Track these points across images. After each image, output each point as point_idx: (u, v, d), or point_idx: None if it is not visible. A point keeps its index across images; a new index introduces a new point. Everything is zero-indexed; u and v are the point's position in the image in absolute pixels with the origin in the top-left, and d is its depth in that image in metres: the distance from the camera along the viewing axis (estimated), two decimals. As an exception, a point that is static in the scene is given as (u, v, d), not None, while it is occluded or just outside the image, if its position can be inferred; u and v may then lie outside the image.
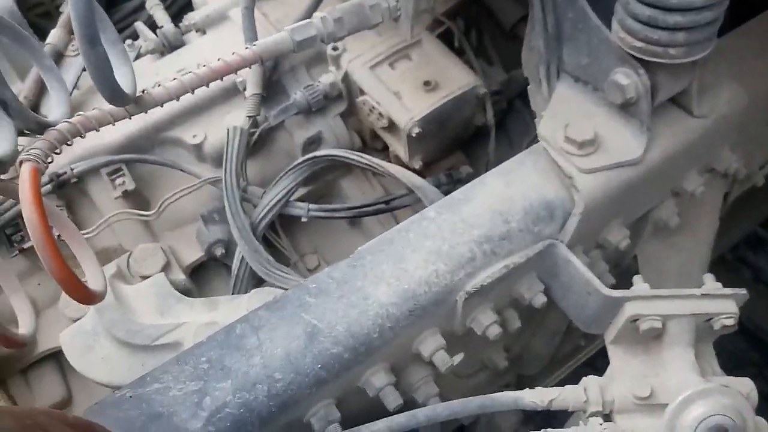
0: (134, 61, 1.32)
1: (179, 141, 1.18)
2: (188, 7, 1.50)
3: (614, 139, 0.83)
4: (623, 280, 0.99)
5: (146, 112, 0.74)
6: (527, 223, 0.83)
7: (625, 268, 1.11)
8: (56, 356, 1.16)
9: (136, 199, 1.15)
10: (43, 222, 0.60)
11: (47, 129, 0.65)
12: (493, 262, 0.81)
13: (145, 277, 1.07)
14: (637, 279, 0.83)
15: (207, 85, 0.77)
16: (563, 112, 0.86)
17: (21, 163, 0.62)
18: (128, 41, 1.35)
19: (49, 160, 0.64)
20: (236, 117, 1.15)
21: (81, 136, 0.67)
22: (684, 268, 1.08)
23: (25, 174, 0.61)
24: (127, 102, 0.67)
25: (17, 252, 1.10)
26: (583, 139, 0.81)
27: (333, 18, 0.80)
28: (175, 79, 0.73)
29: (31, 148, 0.62)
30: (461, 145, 1.22)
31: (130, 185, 1.10)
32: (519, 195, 0.85)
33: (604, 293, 0.79)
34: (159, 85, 0.71)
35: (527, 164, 0.88)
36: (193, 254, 1.14)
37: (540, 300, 0.85)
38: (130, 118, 0.71)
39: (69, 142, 0.66)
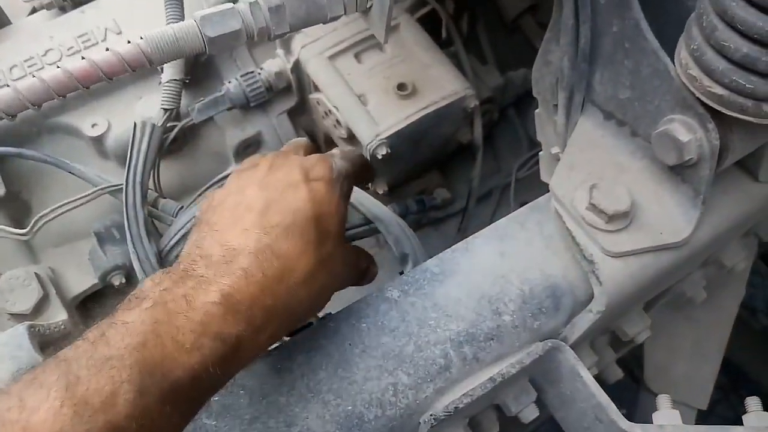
0: (28, 15, 1.02)
1: (74, 130, 0.90)
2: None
3: (655, 211, 0.60)
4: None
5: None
6: (525, 317, 0.60)
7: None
8: None
9: (11, 205, 0.88)
10: None
11: None
12: (475, 372, 0.58)
13: (14, 315, 0.81)
14: (663, 400, 0.62)
15: (59, 97, 0.50)
16: (586, 163, 0.62)
17: None
18: (23, -13, 1.05)
19: None
20: (149, 104, 0.88)
21: None
22: (699, 345, 0.88)
23: None
24: None
25: None
26: (615, 211, 0.57)
27: (269, 6, 0.53)
28: (6, 86, 0.46)
29: None
30: (438, 163, 0.98)
31: (0, 189, 0.83)
32: (517, 274, 0.61)
33: (621, 426, 0.57)
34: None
35: (530, 228, 0.64)
36: (83, 282, 0.88)
37: (530, 415, 0.63)
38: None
39: None
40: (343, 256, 0.59)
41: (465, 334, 0.59)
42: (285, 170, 0.58)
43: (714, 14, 0.48)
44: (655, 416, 0.61)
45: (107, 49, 0.50)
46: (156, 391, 0.44)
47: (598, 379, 0.73)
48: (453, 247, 0.64)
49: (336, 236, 0.57)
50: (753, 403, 0.62)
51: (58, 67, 0.48)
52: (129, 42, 0.50)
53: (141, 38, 0.50)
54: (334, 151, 0.66)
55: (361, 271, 0.65)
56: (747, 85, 0.48)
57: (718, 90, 0.50)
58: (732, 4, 0.46)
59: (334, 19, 0.57)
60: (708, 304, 0.82)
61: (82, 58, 0.49)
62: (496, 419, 0.68)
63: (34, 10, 1.02)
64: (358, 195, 0.83)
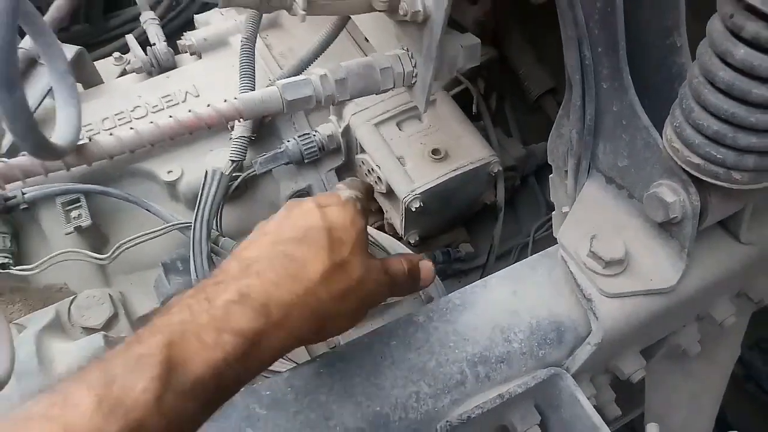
0: (119, 77, 1.20)
1: (152, 175, 1.05)
2: (189, 26, 1.39)
3: (647, 261, 0.70)
4: (623, 396, 0.86)
5: (90, 165, 0.61)
6: (531, 345, 0.70)
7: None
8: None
9: (93, 234, 1.01)
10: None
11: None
12: (486, 389, 0.68)
13: (87, 329, 0.93)
14: (651, 428, 0.70)
15: (171, 139, 0.64)
16: (590, 218, 0.73)
17: None
18: (116, 54, 1.23)
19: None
20: (219, 156, 1.03)
21: (1, 188, 0.54)
22: (695, 398, 0.95)
23: None
24: (59, 156, 0.54)
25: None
26: (611, 258, 0.68)
27: (335, 78, 0.67)
28: (132, 129, 0.60)
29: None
30: (464, 220, 1.09)
31: (86, 221, 0.97)
32: (526, 309, 0.72)
33: (614, 446, 0.66)
34: (111, 134, 0.58)
35: (540, 272, 0.75)
36: (147, 305, 1.00)
37: (535, 436, 0.72)
38: (67, 170, 0.58)
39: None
40: (365, 264, 0.62)
41: (479, 356, 0.69)
42: (300, 206, 0.63)
43: (692, 99, 0.60)
44: (645, 441, 0.69)
45: (208, 105, 0.64)
46: (181, 387, 0.48)
47: (599, 414, 0.82)
48: (473, 283, 0.75)
49: (352, 245, 0.61)
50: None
51: (170, 117, 0.62)
52: (225, 101, 0.64)
53: (235, 99, 0.64)
54: (338, 185, 0.71)
55: (404, 276, 0.68)
56: (718, 156, 0.59)
57: (696, 159, 0.61)
58: (705, 91, 0.58)
59: (385, 91, 0.70)
60: (704, 358, 0.90)
61: (189, 111, 0.62)
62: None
63: (124, 72, 1.20)
64: (393, 243, 0.95)
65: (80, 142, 0.58)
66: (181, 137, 0.71)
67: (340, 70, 0.67)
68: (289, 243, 0.59)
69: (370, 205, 0.71)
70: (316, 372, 0.66)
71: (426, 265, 0.71)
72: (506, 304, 0.72)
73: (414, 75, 0.70)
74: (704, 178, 0.62)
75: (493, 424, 0.72)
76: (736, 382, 0.99)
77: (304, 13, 0.59)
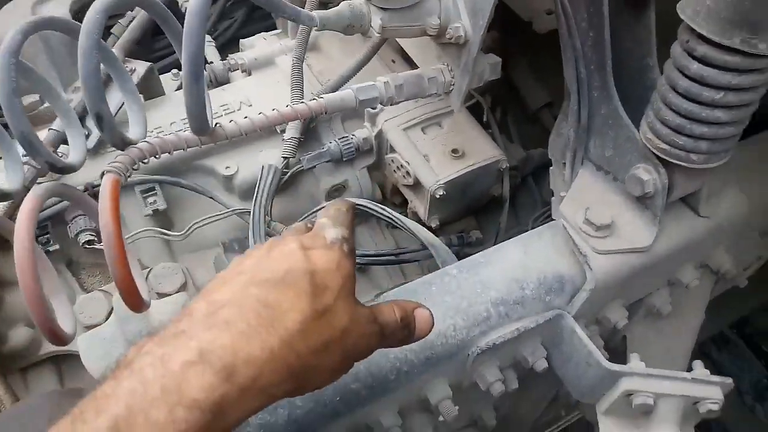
0: (177, 90, 1.39)
1: (212, 170, 1.24)
2: (230, 44, 1.59)
3: (628, 227, 0.91)
4: (611, 360, 1.06)
5: (215, 144, 0.80)
6: (540, 292, 0.90)
7: (613, 348, 1.17)
8: (56, 360, 1.18)
9: (163, 218, 1.20)
10: (117, 230, 0.65)
11: (128, 146, 0.71)
12: (506, 324, 0.88)
13: (161, 295, 1.11)
14: (633, 357, 0.90)
15: (273, 127, 0.84)
16: (584, 196, 0.94)
17: (103, 173, 0.68)
18: (174, 71, 1.43)
19: (128, 174, 0.69)
20: (269, 155, 1.22)
21: (156, 157, 0.73)
22: (668, 354, 1.15)
23: (107, 184, 0.66)
24: (207, 134, 0.73)
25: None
26: (601, 223, 0.89)
27: (395, 84, 0.88)
28: (246, 117, 0.79)
29: (114, 162, 0.68)
30: (474, 211, 1.30)
31: (162, 205, 1.15)
32: (535, 265, 0.92)
33: (604, 365, 0.86)
34: (231, 121, 0.78)
35: (545, 238, 0.95)
36: (208, 279, 1.18)
37: (541, 365, 0.91)
38: (200, 147, 0.77)
39: (145, 161, 0.72)
40: (352, 312, 0.56)
41: (500, 299, 0.88)
42: (282, 246, 0.58)
43: (660, 101, 0.82)
44: (629, 365, 0.89)
45: (303, 102, 0.84)
46: None
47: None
48: (493, 247, 0.95)
49: (338, 291, 0.55)
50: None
51: (273, 109, 0.81)
52: (313, 99, 0.84)
53: (321, 98, 0.84)
54: (322, 220, 0.63)
55: (395, 325, 0.62)
56: (679, 142, 0.81)
57: (663, 146, 0.83)
58: (669, 95, 0.80)
59: (431, 95, 0.91)
60: (674, 319, 1.11)
61: (287, 105, 0.82)
62: (516, 378, 0.96)
63: (180, 87, 1.40)
64: (418, 227, 1.14)
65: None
66: (250, 135, 0.91)
67: (398, 78, 0.88)
68: (266, 286, 0.53)
69: (355, 244, 0.62)
70: (376, 308, 0.85)
71: (423, 314, 0.65)
72: (519, 262, 0.92)
73: (451, 84, 0.91)
74: (670, 159, 0.83)
75: (509, 356, 0.92)
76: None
77: (379, 35, 0.80)
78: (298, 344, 0.51)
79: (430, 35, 0.85)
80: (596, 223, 0.89)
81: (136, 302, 0.70)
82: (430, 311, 0.66)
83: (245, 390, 0.48)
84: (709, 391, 0.85)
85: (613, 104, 0.89)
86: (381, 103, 0.88)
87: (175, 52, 1.68)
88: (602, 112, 0.91)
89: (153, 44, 1.68)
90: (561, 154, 1.01)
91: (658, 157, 0.85)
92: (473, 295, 0.88)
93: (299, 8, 0.76)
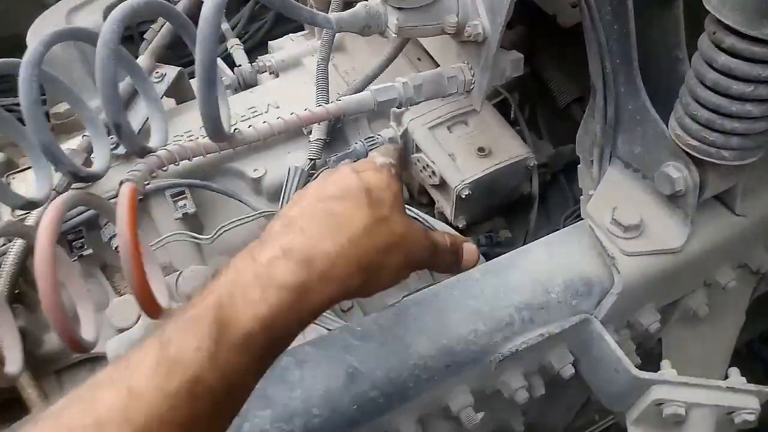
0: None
1: (240, 173, 1.25)
2: (260, 46, 1.60)
3: (658, 227, 0.87)
4: (646, 362, 1.03)
5: (234, 150, 0.80)
6: (566, 296, 0.87)
7: (648, 350, 1.13)
8: (90, 363, 1.21)
9: (193, 222, 1.21)
10: (133, 237, 0.66)
11: (148, 154, 0.72)
12: (530, 329, 0.85)
13: (190, 298, 1.12)
14: (665, 364, 0.87)
15: (302, 130, 0.84)
16: (612, 195, 0.91)
17: (121, 182, 0.68)
18: (203, 73, 1.44)
19: (147, 182, 0.70)
20: (296, 157, 1.22)
21: (175, 164, 0.74)
22: (707, 358, 1.11)
23: (124, 192, 0.67)
24: (225, 140, 0.74)
25: (76, 258, 1.16)
26: (629, 224, 0.86)
27: (414, 84, 0.86)
28: (264, 122, 0.79)
29: (133, 170, 0.69)
30: (503, 211, 1.27)
31: (191, 208, 1.17)
32: (561, 268, 0.89)
33: (633, 373, 0.83)
34: (250, 126, 0.78)
35: (572, 239, 0.92)
36: (237, 281, 1.19)
37: (568, 371, 0.89)
38: (219, 153, 0.78)
39: (164, 168, 0.72)
40: (407, 222, 0.65)
41: (524, 303, 0.86)
42: (338, 171, 0.67)
43: (689, 95, 0.78)
44: (660, 373, 0.85)
45: (319, 105, 0.83)
46: (232, 344, 0.51)
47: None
48: (517, 249, 0.92)
49: (391, 204, 0.63)
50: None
51: (291, 113, 0.81)
52: (331, 102, 0.83)
53: (339, 101, 0.83)
54: (372, 153, 0.74)
55: (445, 247, 0.71)
56: (710, 138, 0.77)
57: (693, 142, 0.79)
58: (698, 89, 0.76)
59: (451, 95, 0.90)
60: (712, 321, 1.06)
61: (305, 109, 0.81)
62: (543, 385, 0.93)
63: (210, 90, 1.41)
64: (444, 227, 1.13)
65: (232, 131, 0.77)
66: (273, 138, 0.91)
67: (417, 78, 0.87)
68: (331, 200, 0.61)
69: (401, 171, 0.71)
70: (395, 314, 0.84)
71: (470, 248, 0.75)
72: (545, 265, 0.90)
73: (472, 83, 0.89)
74: (700, 156, 0.80)
75: (534, 362, 0.89)
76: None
77: (395, 36, 0.78)
78: (364, 243, 0.59)
79: (449, 34, 0.83)
80: (624, 224, 0.86)
81: (151, 309, 0.71)
82: (476, 247, 0.76)
83: (323, 278, 0.57)
84: (745, 400, 0.81)
85: (641, 99, 0.86)
86: (400, 104, 0.87)
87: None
88: (630, 108, 0.88)
89: (185, 48, 1.70)
90: (588, 151, 0.98)
91: (689, 155, 0.81)
92: (496, 299, 0.86)
93: (315, 11, 0.75)
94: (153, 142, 0.84)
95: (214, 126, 0.70)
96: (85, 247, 1.17)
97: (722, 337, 1.09)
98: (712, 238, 0.90)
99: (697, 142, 0.78)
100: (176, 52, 1.71)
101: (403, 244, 0.64)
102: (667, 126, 0.84)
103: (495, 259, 0.91)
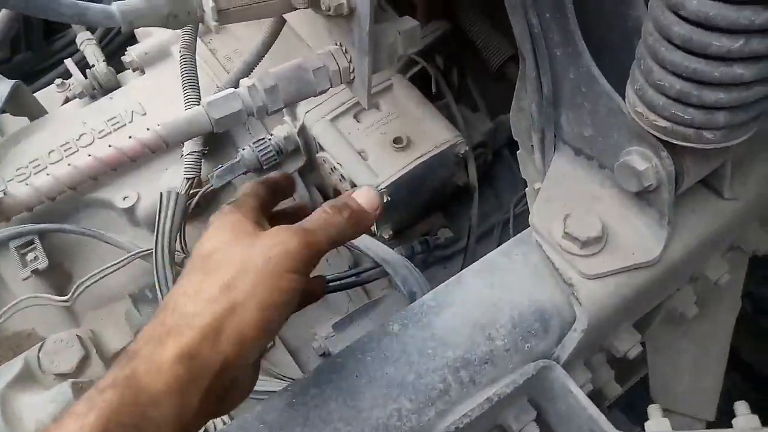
0: (63, 104, 1.14)
1: (107, 203, 1.00)
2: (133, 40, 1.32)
3: (626, 233, 0.65)
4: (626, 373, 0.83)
5: (8, 221, 0.56)
6: (516, 340, 0.66)
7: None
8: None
9: (54, 275, 0.97)
10: None
11: None
12: (473, 394, 0.64)
13: (59, 376, 0.89)
14: (653, 411, 0.66)
15: (95, 179, 0.60)
16: (561, 194, 0.69)
17: None
18: (58, 80, 1.17)
19: None
20: (175, 175, 0.98)
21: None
22: (700, 360, 0.91)
23: None
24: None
25: None
26: (587, 236, 0.63)
27: (264, 87, 0.61)
28: (48, 174, 0.55)
29: None
30: (439, 205, 1.04)
31: (42, 263, 0.92)
32: (506, 301, 0.67)
33: (614, 436, 0.62)
34: (26, 184, 0.54)
35: (515, 259, 0.70)
36: (121, 340, 0.96)
37: (531, 431, 0.68)
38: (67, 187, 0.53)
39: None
40: (249, 242, 0.54)
41: (461, 359, 0.64)
42: None
43: (650, 58, 0.55)
44: (647, 425, 0.65)
45: (130, 137, 0.59)
46: None
47: (599, 395, 0.78)
48: (447, 281, 0.70)
49: (226, 241, 0.54)
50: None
51: (89, 155, 0.57)
52: (148, 129, 0.59)
53: (158, 125, 0.59)
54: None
55: (324, 214, 0.58)
56: (685, 117, 0.54)
57: (662, 123, 0.56)
58: (662, 49, 0.53)
59: (323, 92, 0.65)
60: (703, 318, 0.86)
61: (109, 145, 0.57)
62: (504, 441, 0.72)
63: (67, 99, 1.14)
64: (366, 240, 0.90)
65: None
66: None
67: (269, 78, 0.62)
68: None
69: (252, 201, 0.59)
70: (288, 403, 0.62)
71: (360, 192, 0.61)
72: (484, 299, 0.68)
73: (351, 70, 0.65)
74: (674, 141, 0.57)
75: (487, 428, 0.68)
76: (746, 319, 0.94)
77: (216, 23, 0.53)
78: (194, 308, 0.50)
79: (300, 8, 0.58)
80: (581, 238, 0.64)
81: None
82: (369, 186, 0.62)
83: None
84: (764, 451, 0.61)
85: (584, 63, 0.62)
86: (252, 115, 0.63)
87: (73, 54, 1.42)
88: (570, 77, 0.65)
89: (49, 47, 1.41)
90: (527, 134, 0.76)
91: (657, 137, 0.58)
92: (423, 359, 0.64)
93: (87, 3, 0.50)
94: None
95: None
96: None
97: (716, 334, 0.89)
98: (698, 234, 0.68)
99: (667, 122, 0.56)
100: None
101: (247, 268, 0.52)
102: (624, 99, 0.61)
103: (419, 300, 0.69)
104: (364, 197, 0.61)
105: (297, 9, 0.58)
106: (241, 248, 0.53)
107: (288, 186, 0.65)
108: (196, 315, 0.49)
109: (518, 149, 1.09)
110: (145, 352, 0.46)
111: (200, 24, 0.99)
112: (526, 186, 1.08)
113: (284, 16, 0.84)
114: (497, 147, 1.08)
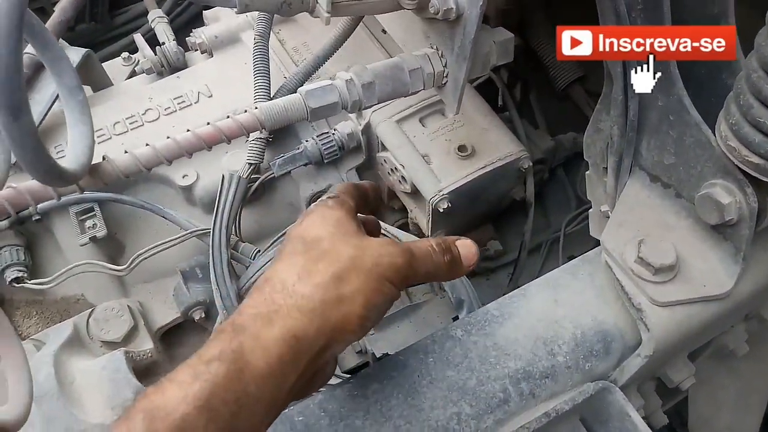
0: (128, 77, 1.15)
1: (167, 179, 1.01)
2: (196, 20, 1.34)
3: (699, 265, 0.66)
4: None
5: (106, 185, 0.57)
6: (577, 358, 0.66)
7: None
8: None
9: (109, 244, 0.98)
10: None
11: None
12: (531, 407, 0.64)
13: (107, 343, 0.90)
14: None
15: (189, 156, 0.61)
16: (635, 220, 0.69)
17: None
18: (125, 54, 1.19)
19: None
20: (235, 158, 0.99)
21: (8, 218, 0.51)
22: (742, 397, 0.91)
23: None
24: (72, 181, 0.50)
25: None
26: (661, 264, 0.64)
27: (362, 82, 0.62)
28: (147, 144, 0.56)
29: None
30: (491, 217, 1.05)
31: (101, 231, 0.93)
32: (569, 319, 0.68)
33: (668, 463, 0.62)
34: (126, 152, 0.55)
35: (581, 278, 0.71)
36: (167, 315, 0.97)
37: (581, 451, 0.68)
38: (82, 193, 0.54)
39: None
40: (356, 244, 0.55)
41: (522, 371, 0.65)
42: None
43: (750, 94, 0.55)
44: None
45: (228, 117, 0.60)
46: None
47: (647, 423, 0.78)
48: (511, 293, 0.71)
49: (330, 235, 0.55)
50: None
51: (188, 130, 0.58)
52: (246, 111, 0.60)
53: (256, 108, 0.60)
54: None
55: (431, 248, 0.59)
56: (781, 156, 0.55)
57: (755, 159, 0.56)
58: (765, 87, 0.53)
59: (415, 93, 0.66)
60: (751, 357, 0.86)
61: (187, 130, 0.58)
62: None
63: (133, 73, 1.16)
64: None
65: (94, 162, 0.54)
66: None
67: (367, 74, 0.63)
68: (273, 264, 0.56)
69: (354, 200, 0.60)
70: (350, 394, 0.63)
71: (464, 243, 0.62)
72: (548, 314, 0.68)
73: (445, 75, 0.65)
74: (764, 178, 0.57)
75: (538, 441, 0.69)
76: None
77: (328, 15, 0.54)
78: (299, 290, 0.51)
79: (408, 9, 0.59)
80: (655, 264, 0.64)
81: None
82: (472, 242, 0.63)
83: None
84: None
85: (675, 92, 0.63)
86: (345, 109, 0.63)
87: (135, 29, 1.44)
88: (659, 104, 0.65)
89: (112, 20, 1.43)
90: (601, 156, 0.76)
91: (745, 173, 0.59)
92: (485, 367, 0.65)
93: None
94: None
95: (41, 168, 0.46)
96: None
97: (761, 373, 0.89)
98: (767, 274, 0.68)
99: (760, 159, 0.56)
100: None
101: (357, 265, 0.53)
102: (713, 132, 0.61)
103: (483, 309, 0.69)
104: (466, 249, 0.62)
105: (403, 9, 0.59)
106: (350, 246, 0.54)
107: (375, 200, 0.66)
108: (305, 297, 0.50)
109: (573, 170, 1.10)
110: (253, 329, 0.47)
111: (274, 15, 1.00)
112: (577, 207, 1.09)
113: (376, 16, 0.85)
114: (553, 166, 1.08)
